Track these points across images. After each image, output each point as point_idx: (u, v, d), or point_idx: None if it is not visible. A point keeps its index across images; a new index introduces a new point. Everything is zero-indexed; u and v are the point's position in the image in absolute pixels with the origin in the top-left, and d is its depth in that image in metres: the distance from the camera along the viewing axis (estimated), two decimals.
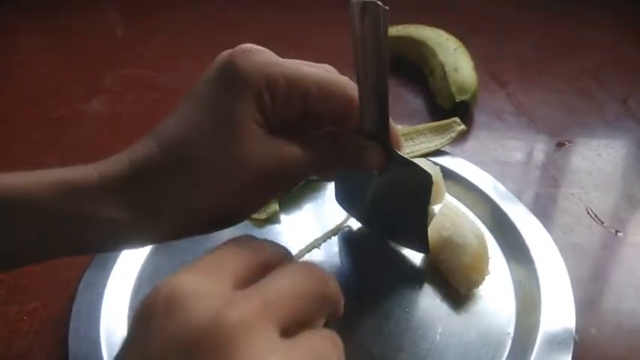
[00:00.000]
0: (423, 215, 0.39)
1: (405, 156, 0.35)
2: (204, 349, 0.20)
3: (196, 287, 0.21)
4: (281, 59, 0.30)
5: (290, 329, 0.22)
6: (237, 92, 0.29)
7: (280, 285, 0.23)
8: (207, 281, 0.22)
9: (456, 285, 0.41)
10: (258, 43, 0.30)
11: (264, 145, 0.29)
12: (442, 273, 0.42)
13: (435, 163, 0.49)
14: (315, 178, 0.40)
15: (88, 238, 0.30)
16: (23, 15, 0.94)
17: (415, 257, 0.44)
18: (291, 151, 0.30)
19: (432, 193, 0.45)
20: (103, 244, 0.31)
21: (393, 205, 0.41)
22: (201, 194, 0.29)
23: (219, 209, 0.30)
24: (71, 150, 0.61)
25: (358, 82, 0.31)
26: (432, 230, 0.42)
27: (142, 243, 0.33)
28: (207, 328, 0.20)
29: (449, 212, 0.43)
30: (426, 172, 0.36)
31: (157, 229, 0.30)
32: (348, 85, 0.32)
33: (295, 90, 0.30)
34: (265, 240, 0.28)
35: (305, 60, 0.32)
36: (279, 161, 0.30)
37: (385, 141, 0.34)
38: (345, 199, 0.46)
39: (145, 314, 0.21)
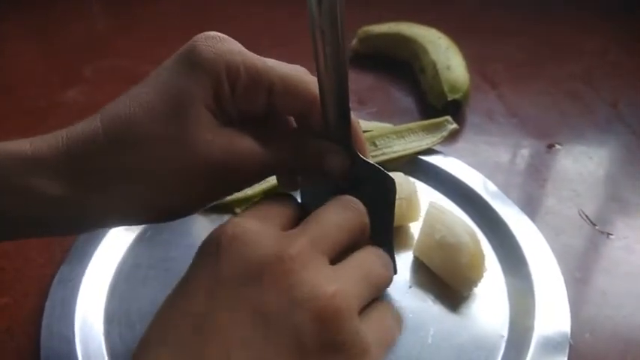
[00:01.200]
0: (388, 229, 0.36)
1: (369, 160, 0.33)
2: (272, 275, 0.24)
3: (253, 227, 0.26)
4: (247, 51, 0.30)
5: (337, 257, 0.27)
6: (193, 76, 0.28)
7: (323, 222, 0.27)
8: (260, 224, 0.26)
9: (456, 286, 0.40)
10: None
11: (214, 133, 0.28)
12: (432, 273, 0.41)
13: (417, 171, 0.48)
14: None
15: (24, 213, 0.28)
16: (3, 4, 0.91)
17: (402, 257, 0.43)
18: (244, 144, 0.29)
19: (407, 210, 0.43)
20: (45, 223, 0.29)
21: None
22: (143, 176, 0.28)
23: (163, 195, 0.29)
24: None
25: (318, 79, 0.29)
26: (424, 234, 0.41)
27: (87, 224, 0.31)
28: (271, 259, 0.24)
29: (437, 212, 0.41)
30: (389, 176, 0.33)
31: (96, 210, 0.29)
32: (316, 84, 0.30)
33: (258, 82, 0.29)
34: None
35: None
36: (227, 152, 0.29)
37: (348, 145, 0.32)
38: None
39: (212, 248, 0.25)
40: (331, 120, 0.31)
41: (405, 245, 0.44)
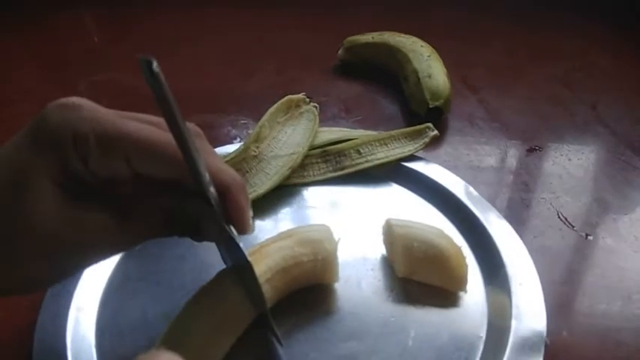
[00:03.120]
0: (260, 301, 0.35)
1: (234, 234, 0.31)
2: None
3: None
4: (103, 117, 0.28)
5: None
6: (37, 148, 0.27)
7: None
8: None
9: (454, 288, 0.41)
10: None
11: (59, 208, 0.27)
12: (413, 279, 0.42)
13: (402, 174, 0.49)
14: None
15: None
16: None
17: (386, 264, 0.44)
18: (96, 221, 0.28)
19: (322, 272, 0.40)
20: None
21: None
22: None
23: (10, 275, 0.28)
24: None
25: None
26: (403, 256, 0.41)
27: None
28: None
29: (403, 230, 0.41)
30: (246, 262, 0.32)
31: None
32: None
33: (110, 150, 0.27)
34: None
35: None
36: (77, 227, 0.27)
37: (217, 209, 0.30)
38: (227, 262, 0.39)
39: None
40: (195, 182, 0.29)
41: (328, 305, 0.41)
